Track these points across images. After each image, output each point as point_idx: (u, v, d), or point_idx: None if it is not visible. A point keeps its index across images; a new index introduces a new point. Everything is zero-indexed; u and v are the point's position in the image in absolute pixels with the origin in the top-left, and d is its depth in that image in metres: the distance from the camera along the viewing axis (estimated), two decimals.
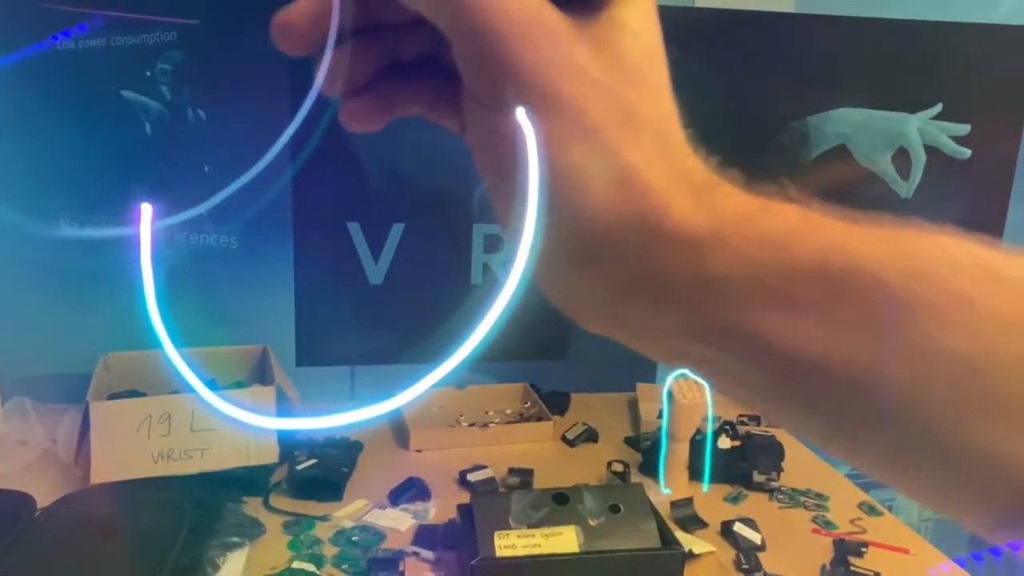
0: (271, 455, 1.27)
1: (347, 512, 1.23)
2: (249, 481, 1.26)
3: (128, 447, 1.22)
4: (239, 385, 1.44)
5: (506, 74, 0.27)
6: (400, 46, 0.32)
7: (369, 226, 1.52)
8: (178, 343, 1.05)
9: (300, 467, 1.29)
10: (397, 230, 1.53)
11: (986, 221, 1.76)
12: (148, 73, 1.37)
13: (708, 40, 1.54)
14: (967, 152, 1.66)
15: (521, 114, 0.37)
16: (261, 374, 1.47)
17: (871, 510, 1.32)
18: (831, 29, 1.58)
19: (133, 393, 1.37)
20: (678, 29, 1.45)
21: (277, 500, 1.25)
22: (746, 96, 1.58)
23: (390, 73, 0.32)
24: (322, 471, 1.29)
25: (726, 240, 0.27)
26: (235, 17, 1.37)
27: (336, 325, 1.55)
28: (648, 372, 1.72)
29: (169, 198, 1.15)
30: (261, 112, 1.41)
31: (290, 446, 1.34)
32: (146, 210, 0.58)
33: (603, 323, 0.31)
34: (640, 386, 1.65)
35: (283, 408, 1.35)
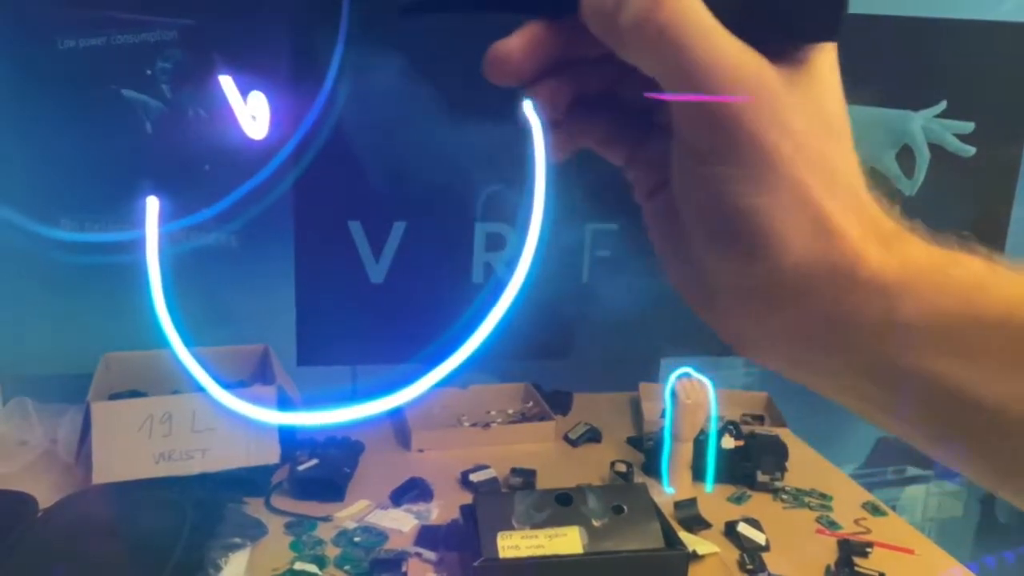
0: (272, 455, 1.26)
1: (349, 513, 1.22)
2: (250, 481, 1.26)
3: (129, 447, 1.21)
4: (240, 385, 1.43)
5: (726, 132, 0.29)
6: (587, 81, 0.34)
7: (370, 225, 1.52)
8: (181, 342, 1.03)
9: (301, 467, 1.28)
10: (398, 229, 1.53)
11: (990, 218, 1.75)
12: (148, 72, 1.36)
13: None
14: (971, 149, 1.65)
15: (528, 108, 0.37)
16: (262, 374, 1.46)
17: (875, 510, 1.31)
18: None
19: (134, 393, 1.37)
20: None
21: (279, 501, 1.25)
22: None
23: (573, 108, 0.35)
24: (324, 471, 1.29)
25: (915, 288, 0.29)
26: (236, 15, 1.37)
27: (337, 324, 1.54)
28: (651, 371, 1.71)
29: (170, 197, 1.14)
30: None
31: (291, 446, 1.34)
32: (152, 204, 0.58)
33: (777, 359, 0.33)
34: (643, 385, 1.65)
35: (285, 408, 1.35)
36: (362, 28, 1.38)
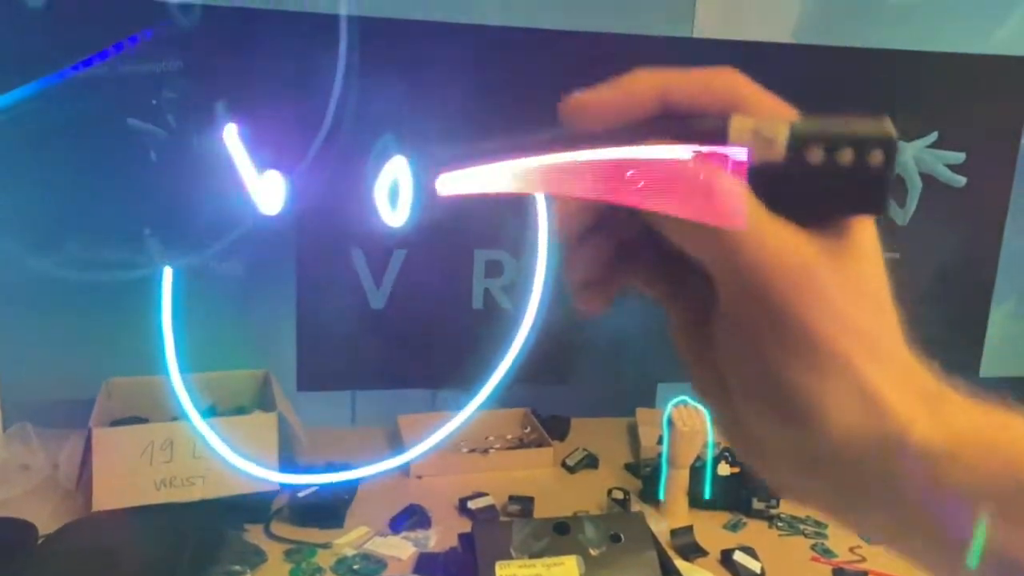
0: (272, 482, 1.27)
1: (348, 539, 1.23)
2: (251, 508, 1.27)
3: (130, 474, 1.22)
4: (241, 410, 1.44)
5: (772, 316, 0.29)
6: (625, 230, 0.34)
7: (371, 251, 1.53)
8: (182, 368, 1.05)
9: (301, 494, 1.29)
10: (399, 256, 1.55)
11: (982, 248, 1.78)
12: (154, 101, 1.38)
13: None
14: (962, 180, 1.68)
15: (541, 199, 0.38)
16: (262, 399, 1.47)
17: (870, 539, 1.32)
18: (828, 59, 1.60)
19: (135, 419, 1.38)
20: (676, 58, 1.46)
21: (278, 527, 1.26)
22: None
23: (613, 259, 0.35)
24: (323, 498, 1.30)
25: (962, 454, 0.29)
26: (241, 46, 1.39)
27: (338, 350, 1.55)
28: (648, 397, 1.72)
29: (175, 225, 1.16)
30: (267, 140, 1.43)
31: (291, 473, 1.35)
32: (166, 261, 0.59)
33: (823, 509, 0.34)
34: (640, 411, 1.66)
35: (285, 433, 1.36)
36: (362, 58, 1.41)
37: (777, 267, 0.29)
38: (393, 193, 1.23)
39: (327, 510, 1.28)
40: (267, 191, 1.19)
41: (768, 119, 0.30)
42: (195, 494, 1.23)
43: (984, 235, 1.77)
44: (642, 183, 0.30)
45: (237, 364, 1.49)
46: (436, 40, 1.45)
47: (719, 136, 0.30)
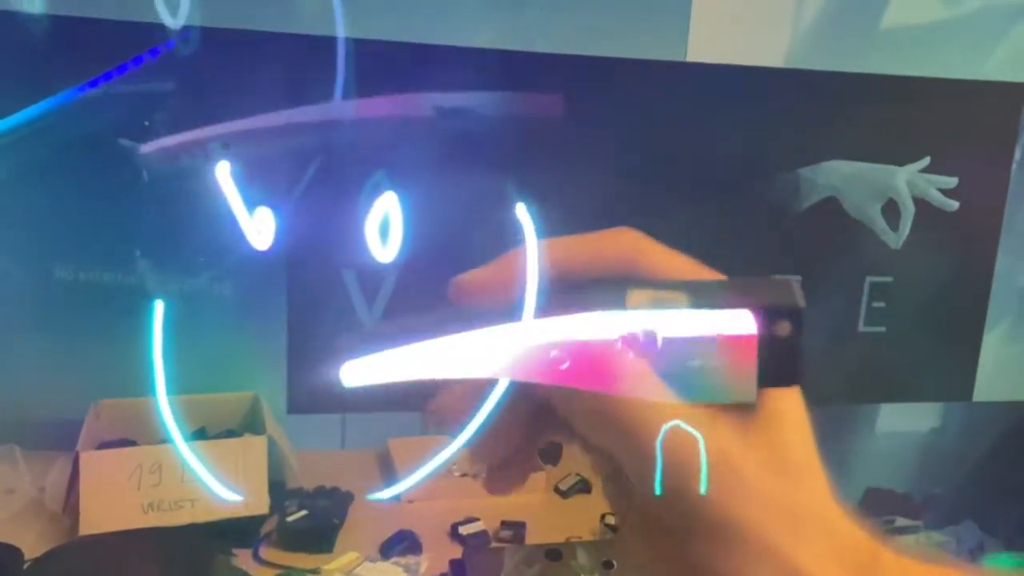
0: (262, 505, 1.26)
1: (338, 565, 1.22)
2: (239, 532, 1.25)
3: (118, 497, 1.21)
4: (230, 433, 1.43)
5: (693, 510, 0.28)
6: (541, 415, 0.32)
7: (363, 272, 1.53)
8: (170, 390, 1.04)
9: (290, 518, 1.28)
10: (392, 276, 1.54)
11: (974, 272, 1.78)
12: (146, 122, 1.38)
13: (699, 93, 1.57)
14: (955, 204, 1.68)
15: (521, 210, 0.38)
16: (252, 422, 1.46)
17: None
18: (820, 83, 1.61)
19: (124, 441, 1.36)
20: (670, 83, 1.49)
21: (267, 552, 1.24)
22: (737, 148, 1.60)
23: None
24: (312, 522, 1.28)
25: None
26: (235, 68, 1.39)
27: (328, 372, 1.54)
28: None
29: (166, 246, 1.16)
30: (258, 174, 1.43)
31: (280, 496, 1.33)
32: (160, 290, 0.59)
33: None
34: None
35: (274, 456, 1.35)
36: (358, 81, 1.41)
37: (693, 463, 0.27)
38: (384, 228, 1.24)
39: (317, 535, 1.27)
40: (258, 227, 1.19)
41: (666, 291, 0.29)
42: (183, 518, 1.22)
43: (977, 259, 1.77)
44: (567, 364, 0.28)
45: (226, 387, 1.48)
46: (429, 63, 1.46)
47: (618, 308, 0.28)
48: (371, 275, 1.52)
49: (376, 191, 1.22)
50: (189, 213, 1.42)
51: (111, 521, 1.20)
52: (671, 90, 1.56)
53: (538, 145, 1.52)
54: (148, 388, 1.44)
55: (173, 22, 1.25)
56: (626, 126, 1.56)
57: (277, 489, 1.34)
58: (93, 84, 1.33)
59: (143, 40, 1.33)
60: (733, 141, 1.60)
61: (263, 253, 1.47)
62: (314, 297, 1.51)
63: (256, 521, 1.27)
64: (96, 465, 1.22)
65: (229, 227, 1.45)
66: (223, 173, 1.23)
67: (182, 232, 1.41)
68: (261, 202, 1.19)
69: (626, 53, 1.51)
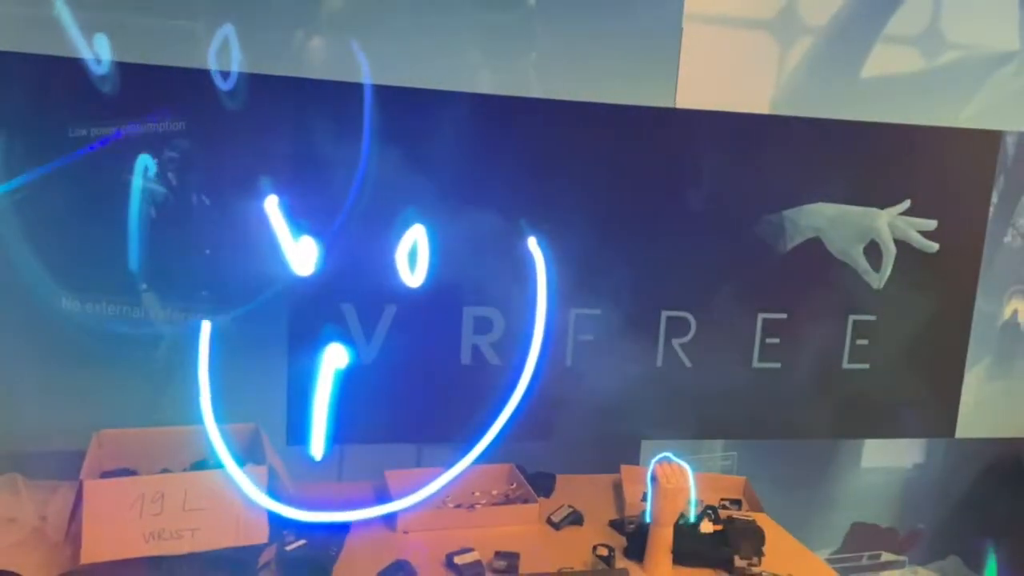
0: (261, 535, 1.28)
1: None
2: (238, 561, 1.27)
3: (120, 526, 1.23)
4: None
5: None
6: None
7: (362, 307, 1.57)
8: (174, 420, 1.09)
9: (288, 547, 1.30)
10: (390, 311, 1.58)
11: (954, 311, 1.84)
12: (156, 159, 1.43)
13: (690, 139, 1.64)
14: (935, 246, 1.74)
15: (533, 244, 0.43)
16: (252, 452, 1.49)
17: None
18: (805, 130, 1.68)
19: (125, 471, 1.39)
20: (661, 128, 1.56)
21: None
22: (725, 191, 1.66)
23: None
24: (310, 552, 1.31)
25: None
26: (241, 109, 1.44)
27: (328, 404, 1.57)
28: (632, 454, 1.75)
29: (171, 280, 1.21)
30: (262, 198, 1.48)
31: (279, 526, 1.36)
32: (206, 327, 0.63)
33: None
34: (624, 468, 1.69)
35: (274, 487, 1.37)
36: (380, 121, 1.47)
37: None
38: (412, 257, 1.41)
39: (314, 564, 1.29)
40: (301, 255, 1.36)
41: None
42: (184, 547, 1.24)
43: (956, 299, 1.83)
44: None
45: (228, 418, 1.51)
46: (435, 107, 1.52)
47: None
48: (370, 308, 1.56)
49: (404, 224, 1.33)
50: (193, 248, 1.46)
51: (113, 550, 1.22)
52: (663, 135, 1.62)
53: (535, 183, 1.58)
54: (149, 418, 1.47)
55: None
56: (618, 169, 1.62)
57: (275, 519, 1.37)
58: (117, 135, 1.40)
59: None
60: (721, 184, 1.66)
61: (265, 289, 1.52)
62: (314, 331, 1.55)
63: (255, 550, 1.29)
64: (100, 494, 1.24)
65: (236, 263, 1.50)
66: (272, 205, 1.34)
67: (186, 266, 1.46)
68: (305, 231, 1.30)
69: (620, 100, 1.58)
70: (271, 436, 1.50)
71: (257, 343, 1.53)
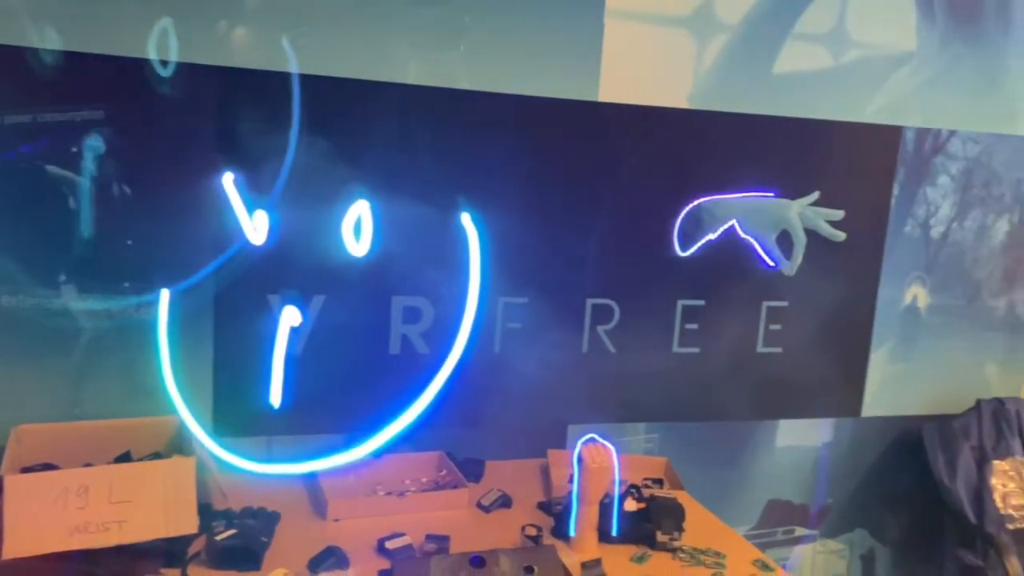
0: (191, 525, 1.28)
1: None
2: (168, 552, 1.27)
3: (43, 521, 1.21)
4: (156, 456, 1.44)
5: None
6: None
7: (290, 297, 1.57)
8: (95, 414, 1.10)
9: (219, 537, 1.30)
10: (317, 302, 1.58)
11: (860, 297, 1.94)
12: (74, 149, 1.40)
13: (611, 132, 1.69)
14: (842, 235, 1.84)
15: (466, 219, 0.46)
16: (178, 445, 1.47)
17: (764, 567, 1.42)
18: (721, 124, 1.75)
19: (46, 466, 1.36)
20: (585, 122, 1.62)
21: (196, 572, 1.26)
22: (646, 182, 1.72)
23: None
24: (241, 541, 1.31)
25: None
26: (162, 98, 1.43)
27: (255, 396, 1.57)
28: (559, 439, 1.79)
29: (91, 271, 1.21)
30: (185, 189, 1.46)
31: (208, 516, 1.36)
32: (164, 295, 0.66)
33: None
34: (551, 452, 1.73)
35: (202, 478, 1.36)
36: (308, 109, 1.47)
37: None
38: (357, 228, 1.49)
39: (245, 553, 1.29)
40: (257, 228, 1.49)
41: None
42: (111, 540, 1.23)
43: (862, 285, 1.93)
44: None
45: (152, 411, 1.49)
46: (362, 97, 1.53)
47: None
48: (297, 300, 1.56)
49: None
50: (114, 239, 1.44)
51: (36, 544, 1.20)
52: (585, 129, 1.67)
53: (462, 175, 1.60)
54: (69, 413, 1.45)
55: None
56: (544, 161, 1.66)
57: (205, 510, 1.36)
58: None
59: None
60: (642, 176, 1.71)
61: (180, 279, 1.51)
62: (240, 322, 1.54)
63: (185, 541, 1.29)
64: (21, 489, 1.22)
65: (157, 252, 1.49)
66: (228, 180, 1.41)
67: (108, 257, 1.44)
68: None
69: (544, 93, 1.62)
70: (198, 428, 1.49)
71: (183, 336, 1.51)
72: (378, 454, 1.60)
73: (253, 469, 1.54)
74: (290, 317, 1.54)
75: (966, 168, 1.98)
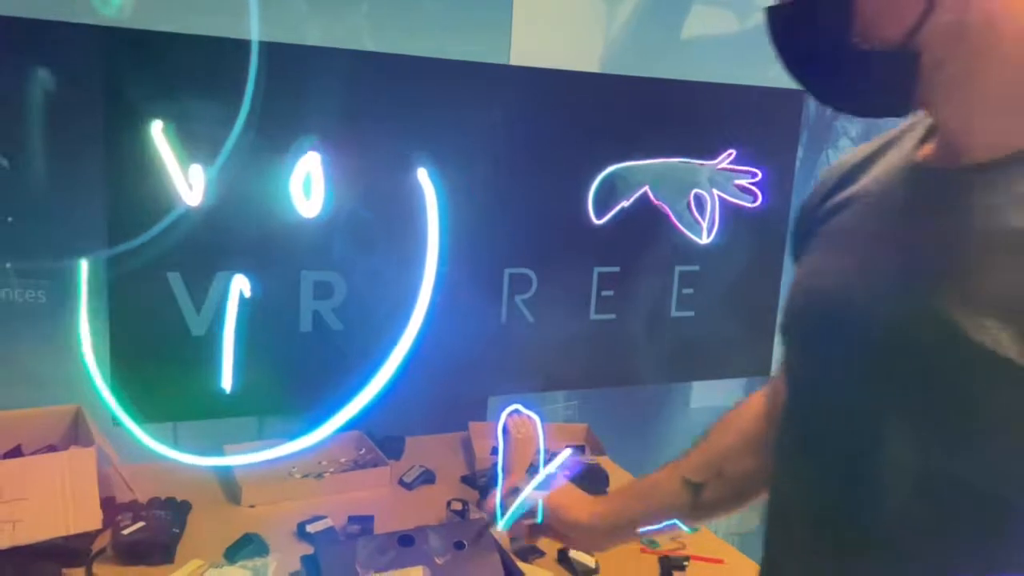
0: (94, 521, 1.20)
1: (181, 574, 1.18)
2: (69, 551, 1.18)
3: None
4: (51, 449, 1.34)
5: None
6: None
7: (190, 275, 1.48)
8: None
9: (126, 531, 1.22)
10: (221, 278, 1.50)
11: (769, 261, 1.98)
12: None
13: (522, 96, 1.65)
14: (751, 199, 1.87)
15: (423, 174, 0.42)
16: (75, 436, 1.38)
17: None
18: (632, 88, 1.74)
19: None
20: (494, 85, 1.57)
21: (101, 569, 1.18)
22: (559, 148, 1.70)
23: None
24: (149, 534, 1.23)
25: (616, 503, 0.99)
26: (44, 64, 1.31)
27: (156, 381, 1.48)
28: (479, 411, 1.77)
29: None
30: (69, 161, 1.35)
31: (113, 510, 1.27)
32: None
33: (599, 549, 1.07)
34: (472, 425, 1.70)
35: (103, 470, 1.28)
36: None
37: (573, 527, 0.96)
38: (307, 185, 1.43)
39: (155, 546, 1.22)
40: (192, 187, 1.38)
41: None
42: (3, 541, 1.14)
43: (769, 248, 1.97)
44: None
45: (46, 401, 1.39)
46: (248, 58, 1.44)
47: None
48: (199, 277, 1.47)
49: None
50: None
51: None
52: (495, 92, 1.63)
53: (365, 142, 1.54)
54: None
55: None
56: (455, 128, 1.61)
57: (109, 504, 1.28)
58: None
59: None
60: (555, 141, 1.69)
61: (77, 256, 1.40)
62: (138, 303, 1.44)
63: (88, 538, 1.20)
64: None
65: (43, 229, 1.38)
66: (158, 131, 1.31)
67: None
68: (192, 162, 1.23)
69: (455, 56, 1.57)
70: (96, 417, 1.39)
71: (75, 319, 1.41)
72: (293, 436, 1.53)
73: (180, 459, 1.44)
74: (240, 285, 1.48)
75: (865, 130, 2.04)
